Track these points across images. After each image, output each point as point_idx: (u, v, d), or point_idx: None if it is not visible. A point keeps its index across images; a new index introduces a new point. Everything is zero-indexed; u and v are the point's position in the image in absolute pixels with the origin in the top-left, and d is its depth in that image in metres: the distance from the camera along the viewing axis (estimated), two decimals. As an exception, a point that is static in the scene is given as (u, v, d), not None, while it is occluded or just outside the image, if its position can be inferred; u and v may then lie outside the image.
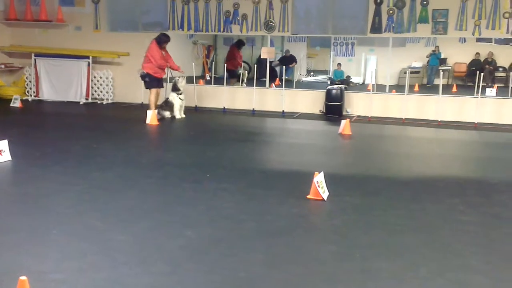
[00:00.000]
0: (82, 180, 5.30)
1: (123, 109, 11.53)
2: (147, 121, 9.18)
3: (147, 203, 4.59)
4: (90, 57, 12.10)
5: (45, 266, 3.24)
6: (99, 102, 12.28)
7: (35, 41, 12.76)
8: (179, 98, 9.91)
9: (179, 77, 10.04)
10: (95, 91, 12.44)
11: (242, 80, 12.76)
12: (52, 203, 4.52)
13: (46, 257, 3.38)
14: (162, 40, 9.90)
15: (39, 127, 8.89)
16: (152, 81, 9.81)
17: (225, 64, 12.26)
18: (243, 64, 13.75)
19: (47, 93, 12.29)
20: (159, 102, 10.18)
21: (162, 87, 10.23)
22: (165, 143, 8.16)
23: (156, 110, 9.62)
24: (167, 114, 9.87)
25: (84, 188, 5.00)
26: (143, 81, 10.03)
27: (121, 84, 12.41)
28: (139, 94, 11.89)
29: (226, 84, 11.62)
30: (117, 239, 3.72)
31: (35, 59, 12.28)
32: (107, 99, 12.35)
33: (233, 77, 12.79)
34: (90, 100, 12.20)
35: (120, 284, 3.05)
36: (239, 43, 13.62)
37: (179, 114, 9.94)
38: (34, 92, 12.38)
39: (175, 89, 9.88)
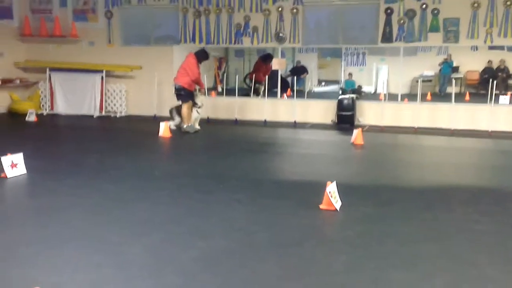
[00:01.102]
0: (96, 192, 5.35)
1: (136, 122, 11.63)
2: (160, 133, 9.26)
3: (159, 215, 4.61)
4: (104, 71, 12.27)
5: (59, 278, 3.27)
6: (112, 115, 12.41)
7: (49, 56, 12.99)
8: (196, 111, 9.99)
9: (198, 91, 10.10)
10: (109, 105, 12.59)
11: (258, 93, 12.74)
12: (66, 215, 4.56)
13: (60, 269, 3.41)
14: (202, 58, 9.96)
15: (53, 141, 9.01)
16: (187, 95, 9.83)
17: (252, 75, 12.35)
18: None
19: (62, 107, 12.47)
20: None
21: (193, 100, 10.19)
22: (177, 155, 8.21)
23: (172, 110, 9.88)
24: (176, 120, 9.97)
25: (98, 201, 5.04)
26: (177, 94, 9.93)
27: (134, 97, 12.55)
28: (152, 107, 12.00)
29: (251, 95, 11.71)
30: (130, 251, 3.73)
31: (49, 74, 12.48)
32: (121, 112, 12.48)
33: (258, 89, 12.79)
34: (103, 114, 12.34)
35: (134, 296, 3.06)
36: (265, 57, 13.51)
37: (197, 124, 10.03)
38: (49, 106, 12.57)
39: (193, 103, 9.96)
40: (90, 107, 12.33)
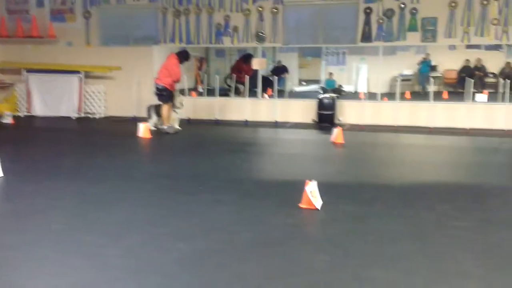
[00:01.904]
0: (75, 195, 5.27)
1: (116, 123, 11.51)
2: (139, 134, 9.17)
3: (139, 217, 4.56)
4: (82, 72, 12.11)
5: (37, 282, 3.21)
6: (91, 116, 12.26)
7: (26, 57, 12.76)
8: (175, 111, 9.93)
9: (177, 92, 10.05)
10: (87, 106, 12.43)
11: (239, 93, 12.69)
12: (44, 218, 4.48)
13: (38, 273, 3.34)
14: (184, 58, 9.92)
15: (31, 143, 8.86)
16: (169, 96, 9.76)
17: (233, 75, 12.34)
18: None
19: (39, 109, 12.27)
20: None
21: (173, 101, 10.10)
22: (157, 155, 8.14)
23: (150, 108, 9.78)
24: (154, 119, 9.90)
25: (77, 203, 4.97)
26: (158, 95, 9.83)
27: (113, 98, 12.41)
28: (131, 107, 11.89)
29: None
30: (111, 253, 3.68)
31: (26, 75, 12.26)
32: (100, 114, 12.33)
33: (239, 88, 12.72)
34: (82, 115, 12.18)
35: (114, 299, 3.02)
36: (246, 57, 13.47)
37: (176, 125, 9.99)
38: (25, 108, 12.35)
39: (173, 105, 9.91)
40: (68, 108, 12.16)
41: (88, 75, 12.38)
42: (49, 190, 5.43)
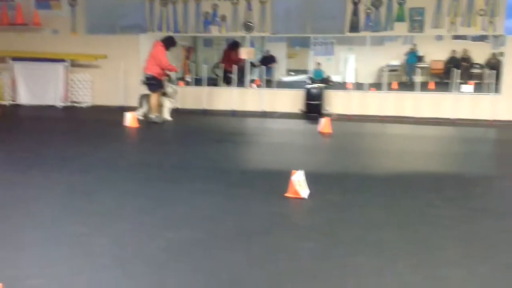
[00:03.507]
0: (61, 184, 5.24)
1: (102, 112, 11.43)
2: (126, 123, 9.12)
3: (126, 206, 4.56)
4: (68, 60, 11.98)
5: (23, 272, 3.19)
6: (77, 105, 12.15)
7: (11, 45, 12.56)
8: (169, 101, 9.93)
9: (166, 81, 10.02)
10: (73, 95, 12.31)
11: (230, 82, 12.62)
12: (30, 207, 4.45)
13: (24, 262, 3.33)
14: (170, 44, 9.80)
15: (16, 132, 8.76)
16: (157, 84, 9.69)
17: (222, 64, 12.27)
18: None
19: (25, 98, 12.12)
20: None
21: (163, 89, 10.02)
22: (144, 145, 8.11)
23: (142, 97, 9.77)
24: (144, 108, 9.86)
25: (63, 192, 4.94)
26: (147, 84, 9.76)
27: (100, 87, 12.31)
28: (118, 96, 11.81)
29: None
30: (97, 242, 3.68)
31: (11, 63, 12.09)
32: (86, 102, 12.23)
33: (227, 77, 12.59)
34: (68, 104, 12.07)
35: (100, 287, 3.02)
36: (232, 45, 13.33)
37: (168, 114, 9.98)
38: (11, 96, 12.19)
39: (164, 93, 9.89)
40: (54, 97, 12.03)
41: (74, 64, 12.24)
42: (35, 179, 5.40)
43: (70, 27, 12.42)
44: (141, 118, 9.70)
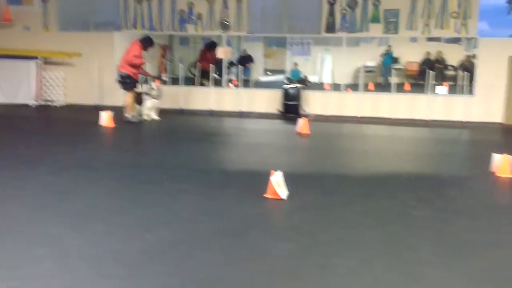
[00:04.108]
0: (35, 184, 5.12)
1: (76, 111, 11.23)
2: (101, 123, 8.98)
3: (101, 207, 4.48)
4: (40, 57, 11.72)
5: (-5, 275, 3.11)
6: (50, 104, 11.91)
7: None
8: (150, 99, 9.88)
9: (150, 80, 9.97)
10: (46, 93, 12.06)
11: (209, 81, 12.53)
12: (3, 208, 4.34)
13: (-4, 265, 3.24)
14: (148, 45, 9.67)
15: (-14, 131, 8.53)
16: (132, 83, 9.55)
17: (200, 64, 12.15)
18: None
19: (-5, 96, 11.83)
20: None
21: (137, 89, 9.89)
22: (120, 144, 8.00)
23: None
24: (137, 109, 9.78)
25: (37, 193, 4.83)
26: (122, 83, 9.61)
27: (74, 86, 12.09)
28: (92, 95, 11.62)
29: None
30: (72, 244, 3.60)
31: (-19, 61, 11.79)
32: (59, 101, 11.99)
33: (204, 77, 12.49)
34: (41, 103, 11.82)
35: (75, 290, 2.96)
36: (210, 45, 13.22)
37: (153, 113, 9.95)
38: (-19, 94, 11.89)
39: (146, 93, 9.83)
40: (26, 95, 11.76)
41: (46, 61, 12.00)
42: (7, 180, 5.26)
43: (42, 24, 12.16)
44: (134, 119, 9.55)
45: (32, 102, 11.66)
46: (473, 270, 3.37)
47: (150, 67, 11.13)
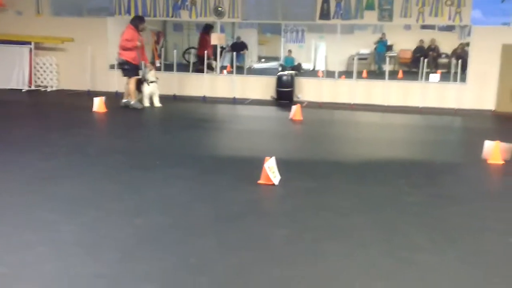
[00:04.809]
0: (27, 170, 5.09)
1: (69, 96, 11.15)
2: (94, 109, 8.93)
3: (95, 193, 4.47)
4: (32, 42, 11.60)
5: (-13, 259, 3.10)
6: (43, 89, 11.82)
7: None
8: (148, 86, 9.83)
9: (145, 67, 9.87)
10: (38, 78, 11.96)
11: (212, 68, 12.38)
12: (-7, 194, 4.32)
13: (-12, 250, 3.23)
14: (139, 22, 9.52)
15: (-22, 116, 8.47)
16: (132, 69, 9.45)
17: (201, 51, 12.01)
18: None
19: (-13, 81, 11.72)
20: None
21: (139, 75, 9.80)
22: (113, 130, 7.96)
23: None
24: (138, 97, 9.72)
25: (29, 178, 4.81)
26: (121, 69, 9.55)
27: (66, 71, 12.00)
28: (85, 81, 11.54)
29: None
30: (64, 229, 3.60)
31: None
32: (52, 86, 11.90)
33: (202, 64, 12.35)
34: (33, 88, 11.72)
35: (67, 274, 2.96)
36: (206, 28, 12.95)
37: (156, 100, 9.91)
38: (-28, 79, 11.77)
39: (145, 79, 9.75)
40: (18, 81, 11.67)
41: (39, 46, 11.88)
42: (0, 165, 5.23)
43: (35, 8, 12.01)
44: (139, 106, 9.47)
45: (24, 87, 11.56)
46: (465, 255, 3.41)
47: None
